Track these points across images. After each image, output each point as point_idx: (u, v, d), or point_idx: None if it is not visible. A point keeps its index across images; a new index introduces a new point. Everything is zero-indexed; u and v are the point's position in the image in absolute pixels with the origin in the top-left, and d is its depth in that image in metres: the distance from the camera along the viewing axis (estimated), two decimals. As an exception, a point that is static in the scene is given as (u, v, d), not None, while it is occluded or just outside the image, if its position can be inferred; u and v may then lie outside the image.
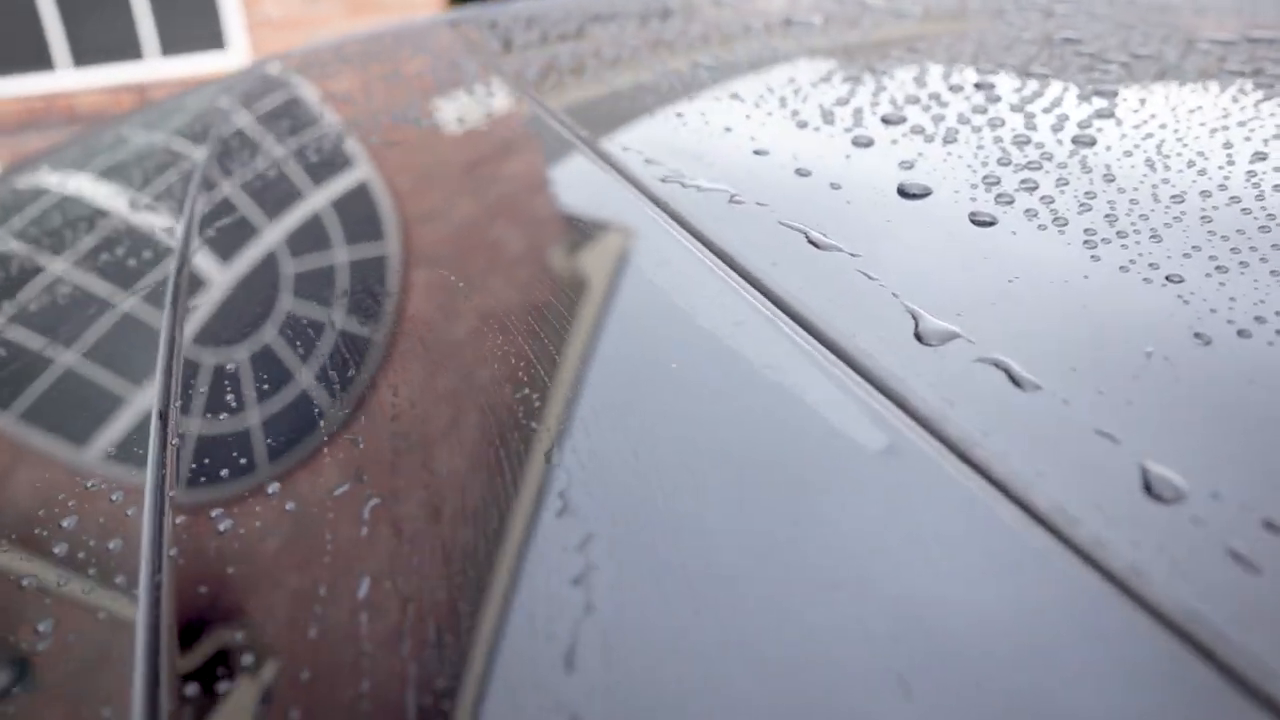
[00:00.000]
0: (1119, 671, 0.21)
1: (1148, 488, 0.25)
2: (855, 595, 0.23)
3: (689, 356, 0.33)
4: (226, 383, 0.40)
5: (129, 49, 6.11)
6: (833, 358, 0.32)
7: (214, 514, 0.32)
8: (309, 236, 0.56)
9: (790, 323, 0.34)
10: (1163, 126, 0.49)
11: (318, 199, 0.63)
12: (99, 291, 0.63)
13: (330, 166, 0.69)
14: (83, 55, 6.03)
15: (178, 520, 0.32)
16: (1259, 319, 0.31)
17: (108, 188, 0.94)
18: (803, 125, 0.54)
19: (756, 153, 0.50)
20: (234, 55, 6.24)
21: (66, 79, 5.92)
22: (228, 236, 0.61)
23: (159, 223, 0.73)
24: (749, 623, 0.23)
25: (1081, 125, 0.50)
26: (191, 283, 0.55)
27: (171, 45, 6.20)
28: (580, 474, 0.29)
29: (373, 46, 1.17)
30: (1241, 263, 0.35)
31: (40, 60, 5.92)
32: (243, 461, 0.34)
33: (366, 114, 0.81)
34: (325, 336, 0.42)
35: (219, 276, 0.54)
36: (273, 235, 0.58)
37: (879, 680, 0.21)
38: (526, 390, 0.34)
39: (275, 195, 0.67)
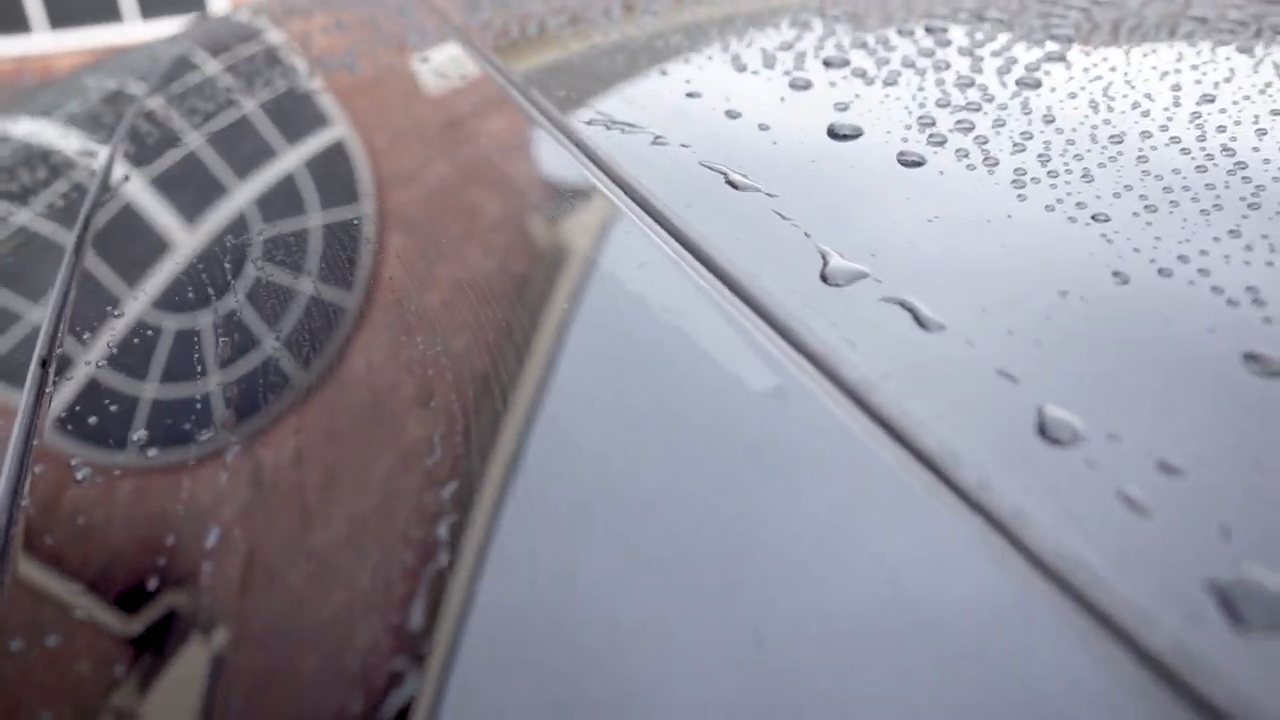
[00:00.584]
0: (992, 616, 0.19)
1: (1042, 430, 0.23)
2: (740, 541, 0.21)
3: (588, 300, 0.31)
4: (115, 335, 0.38)
5: (108, 11, 5.97)
6: (734, 298, 0.30)
7: (75, 464, 0.30)
8: (222, 187, 0.54)
9: (695, 264, 0.32)
10: (1113, 69, 0.47)
11: (238, 147, 0.60)
12: (13, 224, 0.61)
13: (256, 118, 0.66)
14: (60, 18, 5.90)
15: (37, 470, 0.30)
16: (1182, 258, 0.30)
17: (50, 130, 0.91)
18: (741, 69, 0.51)
19: (689, 95, 0.48)
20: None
21: (43, 41, 5.79)
22: (143, 180, 0.58)
23: (83, 164, 0.70)
24: (637, 568, 0.21)
25: (1029, 68, 0.48)
26: (100, 230, 0.52)
27: (151, 7, 6.07)
28: (468, 424, 0.27)
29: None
30: (1172, 202, 0.33)
31: (16, 23, 5.79)
32: (114, 414, 0.32)
33: (310, 67, 0.78)
34: (224, 291, 0.40)
35: (129, 219, 0.51)
36: (187, 178, 0.55)
37: (763, 618, 0.19)
38: (425, 336, 0.32)
39: (196, 138, 0.64)
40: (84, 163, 0.72)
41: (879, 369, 0.26)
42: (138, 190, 0.57)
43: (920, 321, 0.28)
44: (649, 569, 0.21)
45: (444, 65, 0.63)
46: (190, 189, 0.55)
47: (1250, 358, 0.25)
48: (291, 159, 0.56)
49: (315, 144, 0.57)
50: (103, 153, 0.71)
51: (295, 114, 0.64)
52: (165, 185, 0.57)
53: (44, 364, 0.37)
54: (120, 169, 0.61)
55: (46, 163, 0.76)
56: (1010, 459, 0.22)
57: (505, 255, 0.36)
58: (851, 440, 0.24)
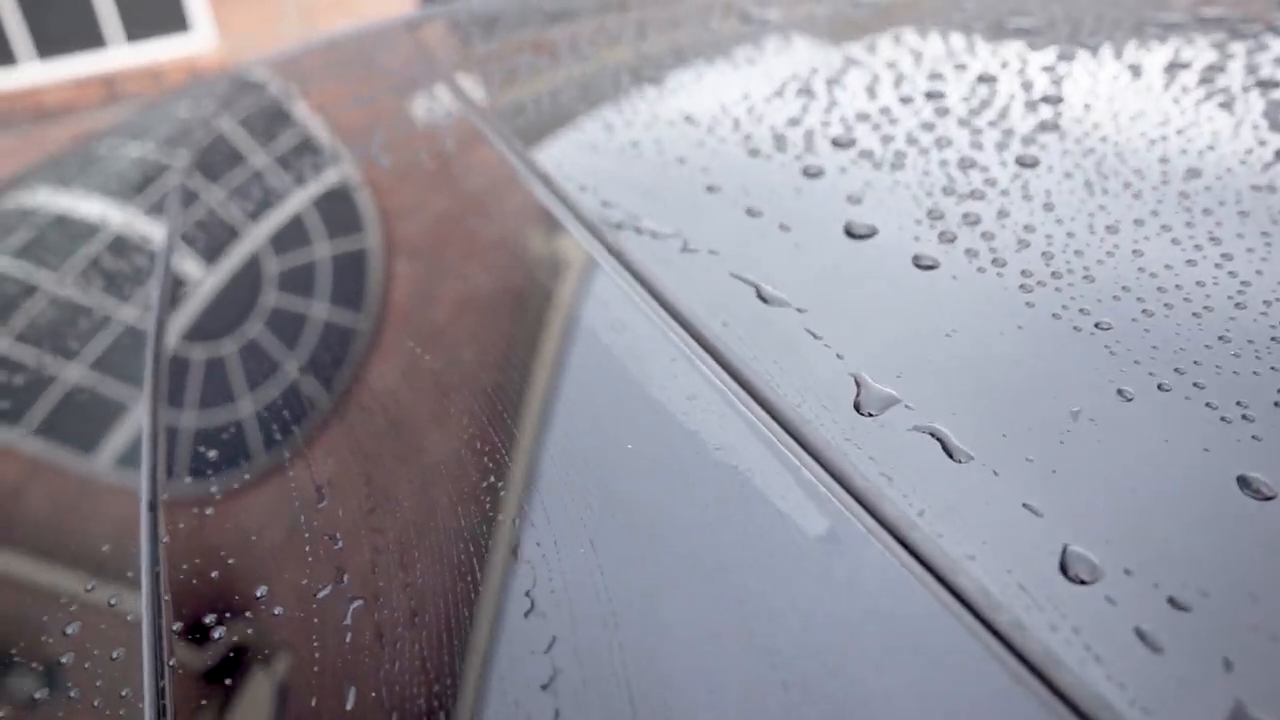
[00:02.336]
0: (1032, 758, 0.23)
1: (1064, 569, 0.27)
2: (790, 677, 0.25)
3: (643, 435, 0.35)
4: (210, 383, 0.42)
5: (92, 38, 5.98)
6: (781, 432, 0.33)
7: (201, 504, 0.34)
8: (286, 241, 0.57)
9: (742, 393, 0.36)
10: (1103, 140, 0.50)
11: (286, 208, 0.64)
12: (91, 304, 0.65)
13: (286, 187, 0.69)
14: (46, 47, 5.90)
15: (168, 513, 0.34)
16: (1178, 370, 0.33)
17: (96, 202, 0.95)
18: (754, 154, 0.54)
19: (709, 189, 0.51)
20: (199, 36, 6.11)
21: (32, 72, 5.80)
22: (209, 243, 0.62)
23: (144, 234, 0.74)
24: (690, 709, 0.25)
25: (1025, 141, 0.51)
26: (175, 288, 0.56)
27: (135, 30, 6.07)
28: (539, 567, 0.30)
29: (341, 53, 1.16)
30: (1166, 305, 0.37)
31: (3, 55, 5.80)
32: (228, 455, 0.36)
33: (325, 141, 0.81)
34: (302, 337, 0.44)
35: (202, 281, 0.55)
36: (251, 239, 0.59)
37: (816, 778, 0.23)
38: (477, 472, 0.36)
39: (253, 200, 0.68)
40: (142, 246, 0.76)
41: (915, 505, 0.30)
42: (207, 278, 0.61)
43: (949, 452, 0.31)
44: (702, 708, 0.25)
45: (465, 151, 0.67)
46: (252, 272, 0.58)
47: (1242, 481, 0.28)
48: (316, 249, 0.60)
49: (338, 247, 0.60)
50: (158, 234, 0.75)
51: (325, 209, 0.67)
52: (229, 269, 0.61)
53: (153, 417, 0.41)
54: (181, 255, 0.65)
55: (107, 248, 0.80)
56: (1038, 599, 0.26)
57: (555, 385, 0.39)
58: (898, 581, 0.27)
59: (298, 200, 0.71)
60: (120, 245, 0.83)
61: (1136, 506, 0.28)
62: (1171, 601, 0.25)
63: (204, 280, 0.64)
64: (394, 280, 0.54)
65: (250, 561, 0.35)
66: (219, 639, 0.32)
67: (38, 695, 0.33)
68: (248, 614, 0.33)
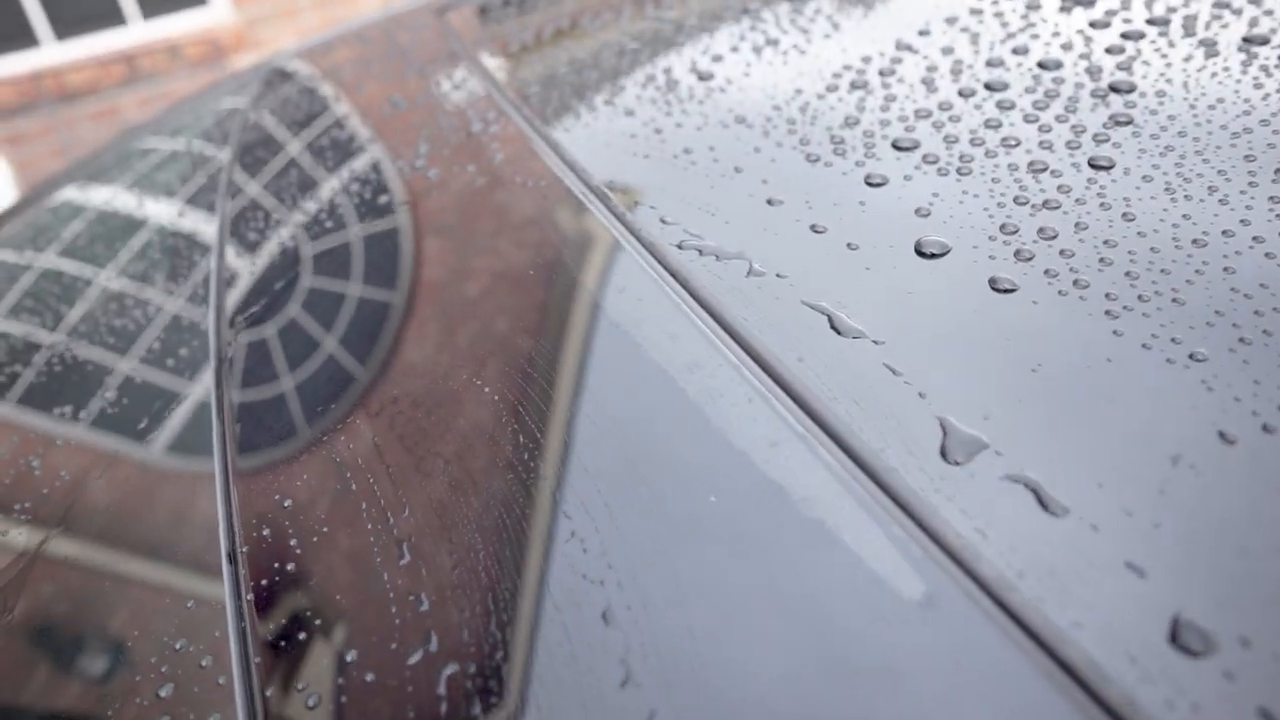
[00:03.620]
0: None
1: (1175, 638, 0.26)
2: (906, 767, 0.25)
3: (726, 485, 0.35)
4: (268, 368, 0.43)
5: (110, 16, 5.97)
6: (866, 481, 0.33)
7: (274, 487, 0.34)
8: (328, 233, 0.57)
9: (825, 439, 0.35)
10: (1181, 134, 0.48)
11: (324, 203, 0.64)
12: (146, 298, 0.66)
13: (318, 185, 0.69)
14: (64, 28, 5.91)
15: (244, 497, 0.35)
16: (1283, 409, 0.32)
17: (145, 197, 0.96)
18: (813, 160, 0.53)
19: (769, 202, 0.50)
20: (215, 9, 6.07)
21: (52, 54, 5.82)
22: (258, 234, 0.62)
23: (193, 229, 0.75)
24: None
25: (1098, 139, 0.49)
26: (230, 279, 0.56)
27: (151, 6, 6.05)
28: (634, 632, 0.31)
29: (371, 42, 1.15)
30: (1265, 331, 0.35)
31: (24, 38, 5.82)
32: (294, 436, 0.37)
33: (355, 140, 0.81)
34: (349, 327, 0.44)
35: (254, 270, 0.56)
36: (298, 230, 0.59)
37: None
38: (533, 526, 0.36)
39: (296, 190, 0.68)
40: (193, 239, 0.77)
41: (1014, 565, 0.29)
42: (264, 270, 0.61)
43: (1044, 504, 0.31)
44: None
45: (518, 166, 0.66)
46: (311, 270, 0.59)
47: (1359, 538, 0.28)
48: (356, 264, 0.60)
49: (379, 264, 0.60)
50: (207, 228, 0.75)
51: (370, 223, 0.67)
52: (285, 264, 0.61)
53: (219, 406, 0.42)
54: (232, 248, 0.65)
55: (160, 243, 0.81)
56: (1150, 672, 0.26)
57: (630, 437, 0.39)
58: (1000, 649, 0.27)
59: (340, 191, 0.71)
60: (172, 239, 0.84)
61: (1248, 566, 0.28)
62: (1292, 675, 0.25)
63: (257, 272, 0.64)
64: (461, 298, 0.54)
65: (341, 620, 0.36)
66: (306, 690, 0.33)
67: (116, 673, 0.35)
68: (339, 678, 0.33)
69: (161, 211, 0.93)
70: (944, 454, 0.33)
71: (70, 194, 1.09)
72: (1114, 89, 0.54)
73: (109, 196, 1.04)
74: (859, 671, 0.28)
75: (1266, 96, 0.50)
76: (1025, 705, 0.26)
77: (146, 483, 0.54)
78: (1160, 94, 0.52)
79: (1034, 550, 0.29)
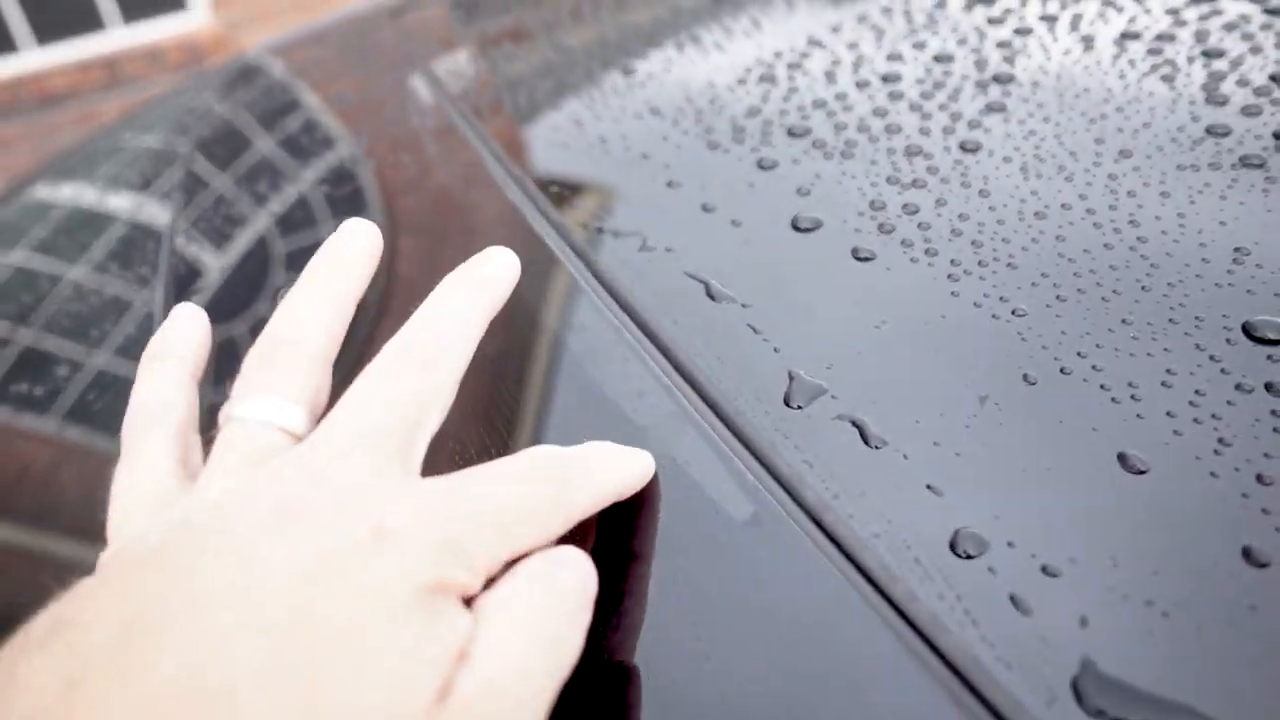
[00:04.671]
0: (913, 709, 0.26)
1: (954, 546, 0.30)
2: (708, 644, 0.29)
3: (595, 430, 0.38)
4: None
5: (90, 21, 5.97)
6: (719, 424, 0.37)
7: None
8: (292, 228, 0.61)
9: (686, 389, 0.39)
10: (1045, 120, 0.52)
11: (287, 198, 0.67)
12: (105, 293, 0.69)
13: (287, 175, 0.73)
14: (45, 33, 5.91)
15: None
16: (1080, 354, 0.36)
17: (107, 194, 0.99)
18: (714, 147, 0.57)
19: (669, 185, 0.54)
20: (195, 14, 6.09)
21: (33, 59, 5.82)
22: (212, 227, 0.66)
23: (152, 222, 0.78)
24: (599, 689, 0.29)
25: (971, 125, 0.53)
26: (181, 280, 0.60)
27: (132, 11, 6.05)
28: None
29: (335, 40, 1.19)
30: (1079, 290, 0.39)
31: (3, 43, 5.82)
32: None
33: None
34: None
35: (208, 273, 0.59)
36: (257, 228, 0.63)
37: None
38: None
39: (254, 184, 0.71)
40: (151, 234, 0.80)
41: (832, 488, 0.33)
42: (209, 262, 0.65)
43: (866, 438, 0.35)
44: (618, 679, 0.29)
45: (442, 148, 0.69)
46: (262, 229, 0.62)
47: (1121, 458, 0.32)
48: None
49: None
50: (163, 221, 0.79)
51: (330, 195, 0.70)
52: (229, 254, 0.65)
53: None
54: (184, 241, 0.69)
55: (118, 238, 0.84)
56: (930, 571, 0.30)
57: (524, 384, 0.43)
58: (811, 560, 0.31)
59: (298, 184, 0.75)
60: (130, 235, 0.87)
61: (1025, 484, 0.32)
62: (1044, 569, 0.29)
63: (206, 264, 0.68)
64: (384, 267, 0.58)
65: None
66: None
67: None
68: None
69: (120, 206, 0.96)
70: (787, 400, 0.37)
71: (38, 192, 1.12)
72: (995, 79, 0.58)
73: (74, 194, 1.07)
74: (692, 581, 0.31)
75: (1127, 86, 0.54)
76: (827, 604, 0.30)
77: (96, 469, 0.57)
78: (1034, 84, 0.57)
79: (851, 477, 0.33)
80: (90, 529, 0.48)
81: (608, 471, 0.30)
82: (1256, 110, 0.49)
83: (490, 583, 0.25)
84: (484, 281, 0.33)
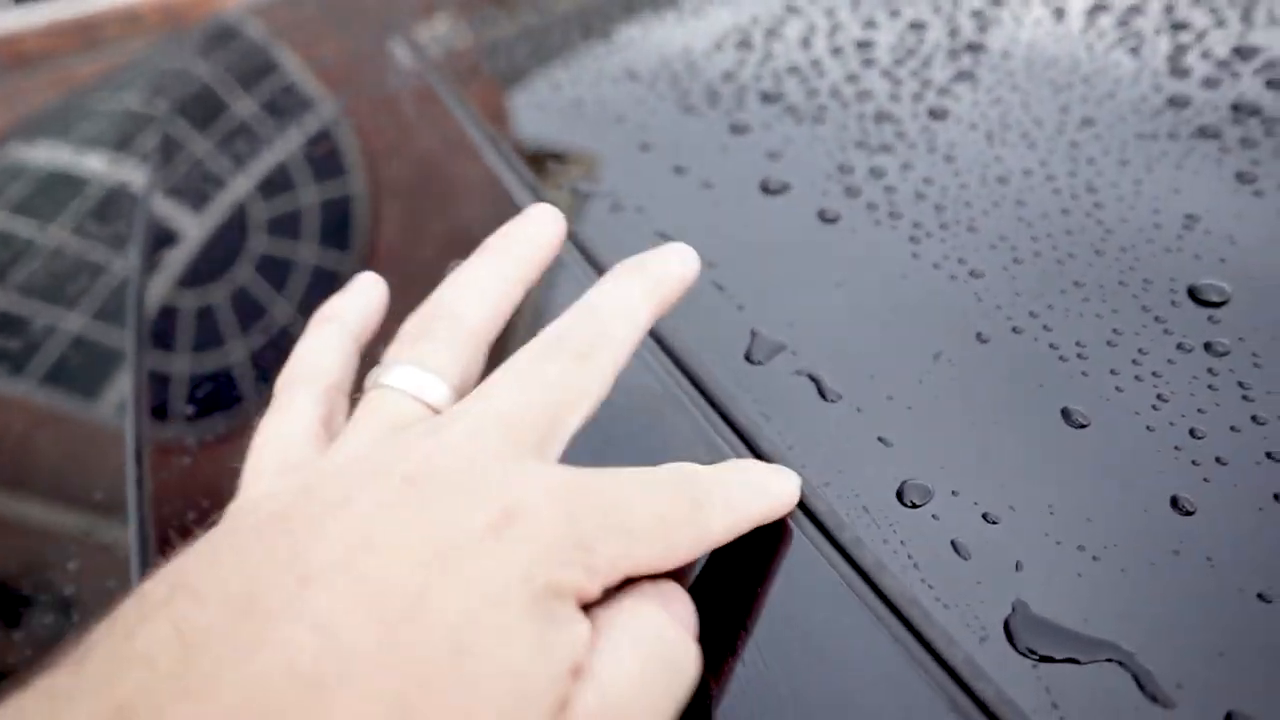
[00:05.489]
0: (855, 649, 0.28)
1: (901, 494, 0.31)
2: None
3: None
4: (194, 331, 0.47)
5: (66, -21, 5.83)
6: (681, 378, 0.38)
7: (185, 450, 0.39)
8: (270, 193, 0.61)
9: (652, 345, 0.40)
10: (1014, 89, 0.53)
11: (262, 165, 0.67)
12: (78, 255, 0.69)
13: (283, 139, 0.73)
14: (19, -10, 5.77)
15: (153, 461, 0.39)
16: (1032, 314, 0.37)
17: (81, 155, 0.98)
18: (688, 110, 0.57)
19: (642, 148, 0.54)
20: (176, -25, 5.96)
21: (8, 20, 5.69)
22: (189, 190, 0.66)
23: (128, 184, 0.78)
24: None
25: (940, 91, 0.54)
26: (157, 242, 0.60)
27: (109, -30, 5.92)
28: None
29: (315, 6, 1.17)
30: (1035, 253, 0.40)
31: (-24, 0, 5.68)
32: (214, 400, 0.41)
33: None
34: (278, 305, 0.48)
35: (184, 235, 0.59)
36: (236, 191, 0.63)
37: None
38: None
39: (232, 146, 0.71)
40: (127, 197, 0.80)
41: (787, 440, 0.34)
42: (186, 225, 0.65)
43: (822, 392, 0.36)
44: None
45: (418, 111, 0.69)
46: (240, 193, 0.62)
47: (1065, 413, 0.33)
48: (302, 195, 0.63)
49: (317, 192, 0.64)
50: (140, 184, 0.78)
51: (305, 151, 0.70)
52: (204, 209, 0.65)
53: (136, 373, 0.46)
54: (162, 203, 0.69)
55: (95, 201, 0.84)
56: (877, 518, 0.31)
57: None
58: (765, 506, 0.32)
59: (275, 147, 0.75)
60: (105, 196, 0.86)
61: (973, 437, 0.33)
62: (984, 516, 0.30)
63: (183, 227, 0.68)
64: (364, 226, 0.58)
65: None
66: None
67: (48, 622, 0.39)
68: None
69: (95, 168, 0.95)
70: (749, 356, 0.38)
71: (10, 153, 1.10)
72: (968, 48, 0.59)
73: (47, 155, 1.06)
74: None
75: (1094, 57, 0.55)
76: (774, 549, 0.31)
77: (68, 434, 0.58)
78: (1005, 53, 0.57)
79: (806, 429, 0.34)
80: (64, 493, 0.49)
81: (748, 501, 0.28)
82: (1217, 82, 0.50)
83: (607, 596, 0.24)
84: (659, 276, 0.31)
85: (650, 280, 0.31)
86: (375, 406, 0.28)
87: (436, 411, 0.28)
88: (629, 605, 0.24)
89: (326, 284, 0.55)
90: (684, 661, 0.24)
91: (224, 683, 0.19)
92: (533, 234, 0.34)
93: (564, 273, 0.46)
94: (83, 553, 0.42)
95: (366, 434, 0.27)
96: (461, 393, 0.29)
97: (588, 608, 0.23)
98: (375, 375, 0.29)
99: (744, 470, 0.29)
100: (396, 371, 0.29)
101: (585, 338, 0.28)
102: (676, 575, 0.27)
